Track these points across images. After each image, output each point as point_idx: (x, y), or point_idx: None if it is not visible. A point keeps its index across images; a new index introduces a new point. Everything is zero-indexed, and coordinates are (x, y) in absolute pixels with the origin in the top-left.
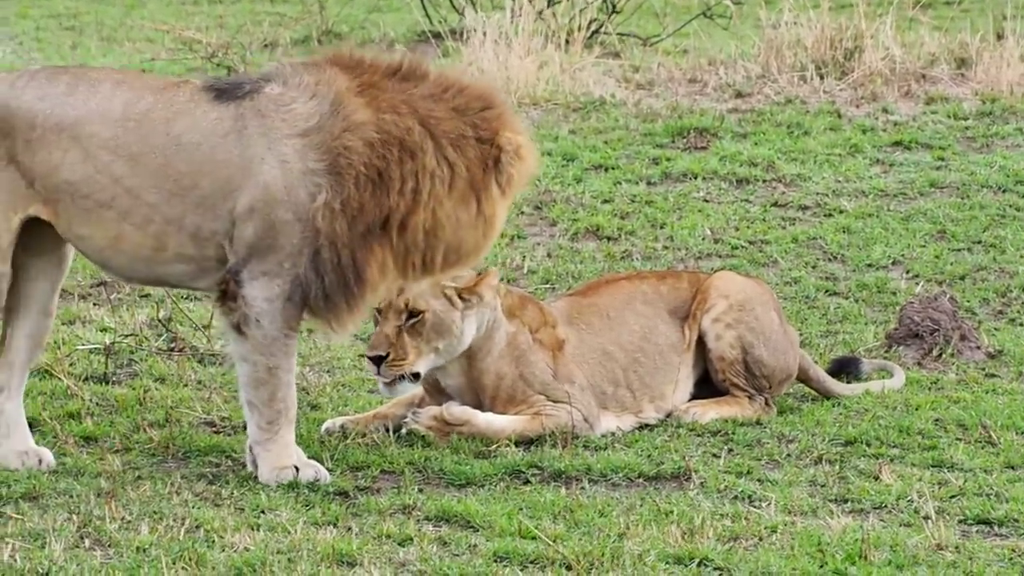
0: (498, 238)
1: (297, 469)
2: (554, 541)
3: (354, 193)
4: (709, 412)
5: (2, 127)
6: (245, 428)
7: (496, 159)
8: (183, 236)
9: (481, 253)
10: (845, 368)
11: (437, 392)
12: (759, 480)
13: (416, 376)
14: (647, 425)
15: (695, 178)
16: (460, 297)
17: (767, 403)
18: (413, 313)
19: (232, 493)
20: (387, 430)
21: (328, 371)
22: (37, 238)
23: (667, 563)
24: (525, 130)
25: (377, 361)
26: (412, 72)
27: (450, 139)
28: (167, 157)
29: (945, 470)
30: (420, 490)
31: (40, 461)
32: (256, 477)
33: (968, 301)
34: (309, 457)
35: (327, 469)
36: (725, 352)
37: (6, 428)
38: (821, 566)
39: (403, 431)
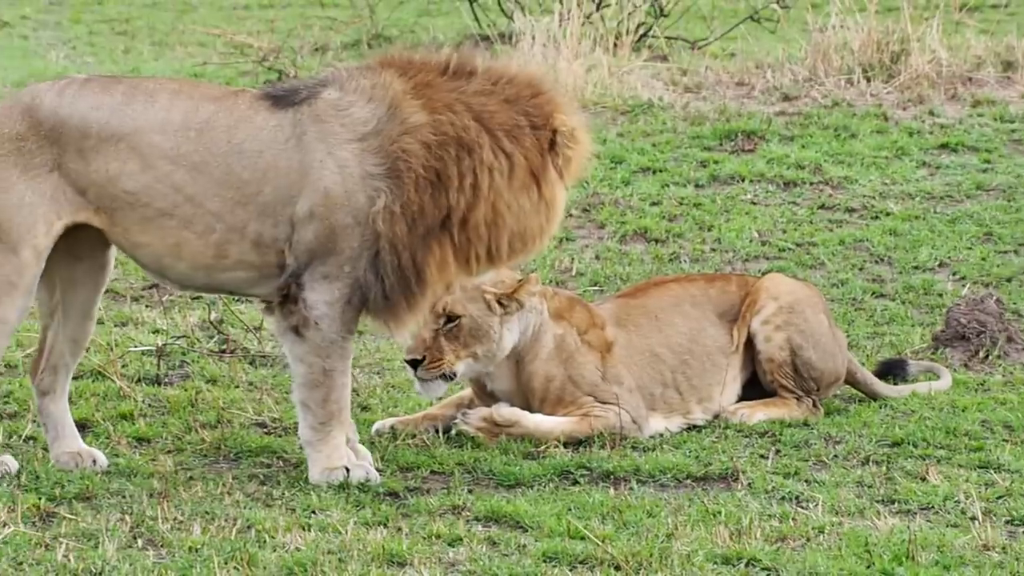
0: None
1: (348, 470)
2: (603, 541)
3: (413, 196)
4: (757, 413)
5: (49, 135)
6: (296, 429)
7: (552, 143)
8: (245, 244)
9: (546, 238)
10: (892, 370)
11: (486, 394)
12: (806, 481)
13: (452, 376)
14: (695, 426)
15: (742, 181)
16: (499, 303)
17: (815, 405)
18: (451, 317)
19: (283, 494)
20: (437, 431)
21: (378, 372)
22: (80, 244)
23: (715, 563)
24: (577, 111)
25: (414, 364)
26: (462, 68)
27: (505, 130)
28: (229, 165)
29: (992, 471)
30: (470, 491)
31: (94, 461)
32: (308, 478)
33: (1014, 303)
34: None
35: (377, 470)
36: (774, 354)
37: (55, 431)
38: (868, 566)
39: (452, 432)
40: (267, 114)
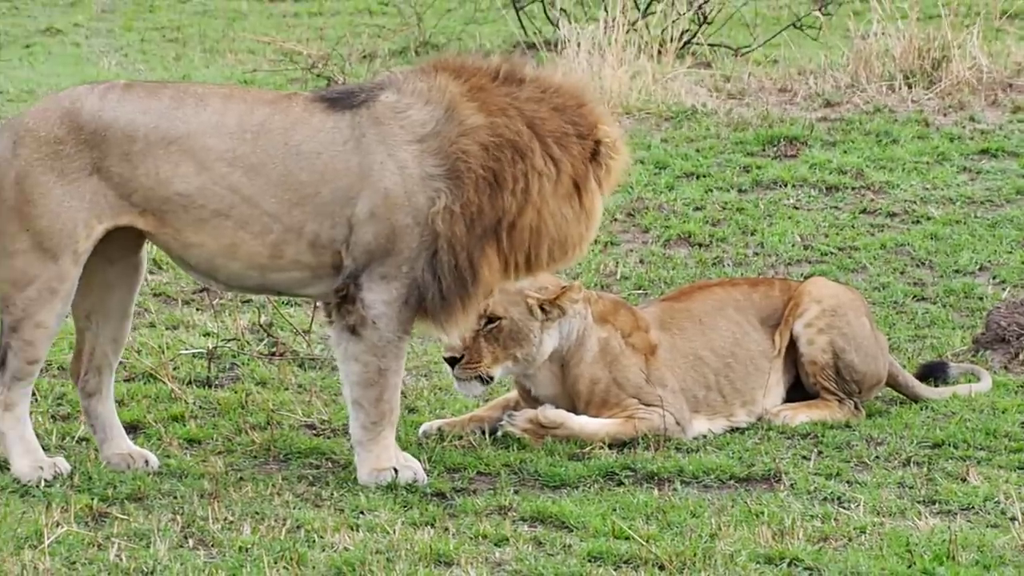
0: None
1: (396, 471)
2: (647, 541)
3: (473, 196)
4: (800, 415)
5: (90, 139)
6: (346, 431)
7: (595, 153)
8: (302, 244)
9: (584, 246)
10: (933, 372)
11: (531, 397)
12: (848, 482)
13: (489, 379)
14: (737, 428)
15: (785, 186)
16: (541, 308)
17: (856, 407)
18: (491, 319)
19: (332, 494)
20: (483, 432)
21: (425, 375)
22: (112, 246)
23: (758, 563)
24: (616, 123)
25: (451, 362)
26: (512, 75)
27: (555, 138)
28: (287, 166)
29: None
30: (516, 491)
31: (147, 462)
32: (356, 479)
33: None
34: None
35: (424, 471)
36: (817, 356)
37: (104, 432)
38: (909, 566)
39: (499, 433)
40: (323, 116)
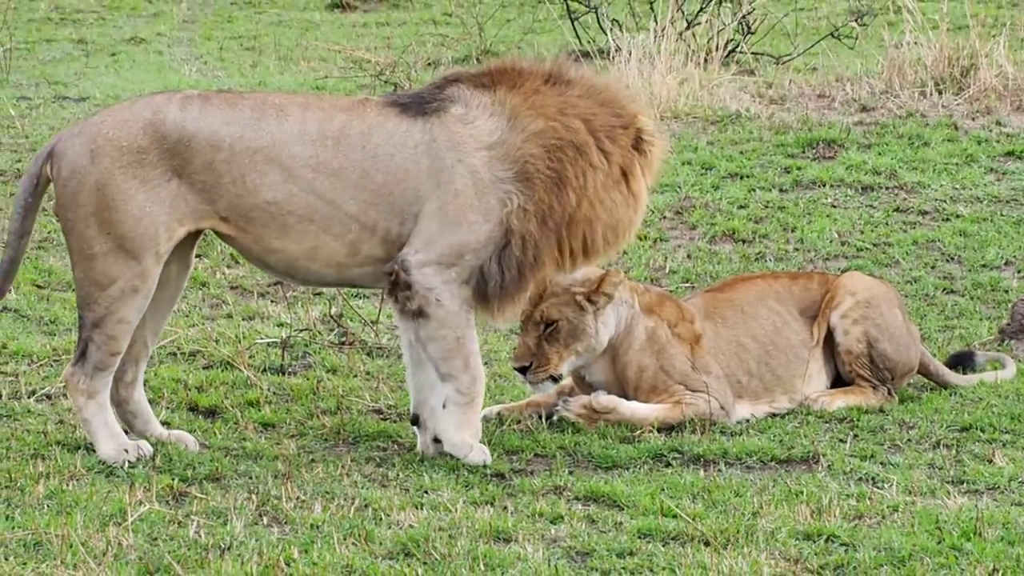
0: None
1: (471, 449)
2: (693, 519)
3: (543, 195)
4: (836, 401)
5: (172, 147)
6: (410, 416)
7: (637, 141)
8: (375, 240)
9: (633, 230)
10: (962, 361)
11: (584, 384)
12: (882, 463)
13: (559, 377)
14: (778, 414)
15: (823, 186)
16: (589, 300)
17: (889, 393)
18: (548, 323)
19: (398, 475)
20: (540, 417)
21: (485, 363)
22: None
23: (797, 539)
24: (651, 113)
25: (522, 371)
26: (561, 76)
27: (605, 131)
28: (365, 169)
29: None
30: (570, 472)
31: (186, 446)
32: (421, 460)
33: None
34: None
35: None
36: (852, 346)
37: (144, 417)
38: (939, 542)
39: (554, 418)
40: (396, 120)
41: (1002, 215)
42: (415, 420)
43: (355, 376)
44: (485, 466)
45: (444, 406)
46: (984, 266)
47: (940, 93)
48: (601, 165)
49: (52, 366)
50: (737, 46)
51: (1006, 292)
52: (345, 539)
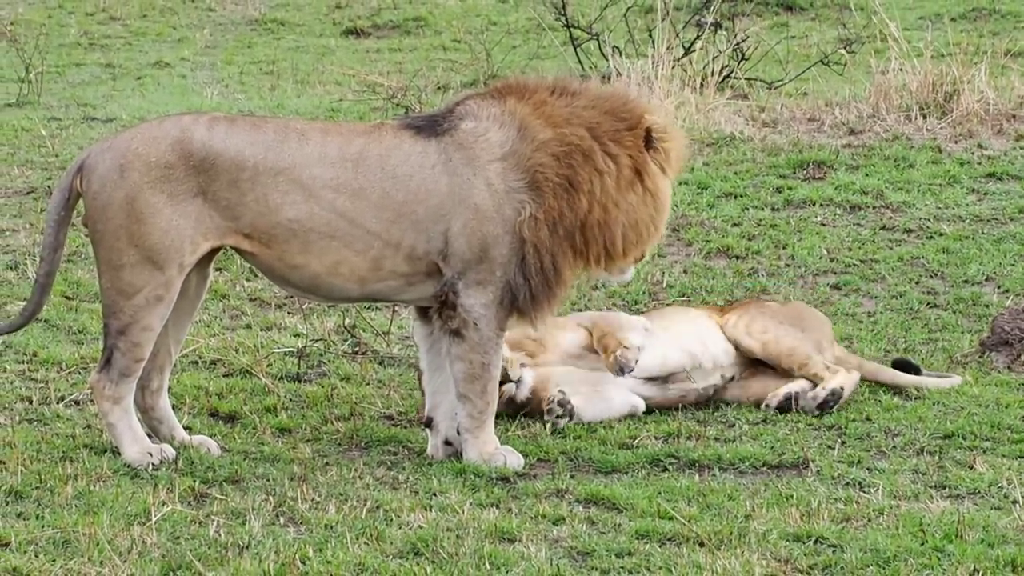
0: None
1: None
2: (688, 521)
3: (553, 203)
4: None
5: (199, 165)
6: (424, 419)
7: (648, 139)
8: (399, 256)
9: (659, 227)
10: (906, 370)
11: None
12: (868, 469)
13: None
14: (769, 420)
15: (813, 205)
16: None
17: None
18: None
19: (408, 478)
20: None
21: None
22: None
23: (787, 541)
24: (660, 111)
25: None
26: (566, 88)
27: (610, 136)
28: (385, 189)
29: None
30: (572, 476)
31: (209, 450)
32: (429, 464)
33: None
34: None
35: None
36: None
37: (169, 423)
38: (922, 544)
39: (561, 424)
40: (412, 142)
41: (983, 233)
42: (428, 423)
43: (367, 384)
44: (519, 466)
45: (458, 432)
46: (966, 282)
47: (924, 117)
48: (608, 169)
49: (80, 373)
50: (731, 72)
51: (987, 307)
52: (358, 539)
